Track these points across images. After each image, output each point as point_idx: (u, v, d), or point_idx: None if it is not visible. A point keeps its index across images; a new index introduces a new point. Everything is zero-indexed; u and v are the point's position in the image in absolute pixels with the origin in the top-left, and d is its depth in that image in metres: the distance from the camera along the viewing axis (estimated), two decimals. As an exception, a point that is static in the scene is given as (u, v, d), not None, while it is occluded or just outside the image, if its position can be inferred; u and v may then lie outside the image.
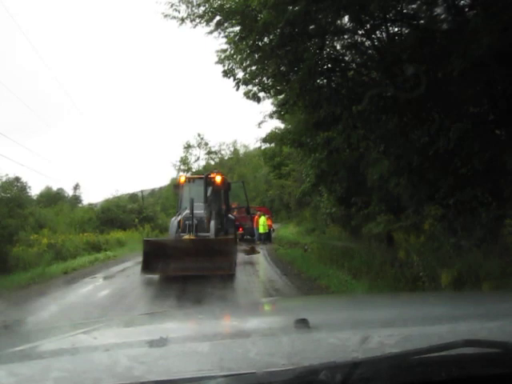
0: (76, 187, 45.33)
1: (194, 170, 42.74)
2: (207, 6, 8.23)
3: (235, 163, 46.99)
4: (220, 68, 9.01)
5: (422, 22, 7.69)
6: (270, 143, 20.10)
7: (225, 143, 49.21)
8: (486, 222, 6.60)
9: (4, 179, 14.60)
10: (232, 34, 8.53)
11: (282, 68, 8.55)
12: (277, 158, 33.38)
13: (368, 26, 8.27)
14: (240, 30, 8.28)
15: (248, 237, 20.24)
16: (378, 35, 8.66)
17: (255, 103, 9.87)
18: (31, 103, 66.38)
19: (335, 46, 9.17)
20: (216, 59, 9.05)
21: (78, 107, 70.58)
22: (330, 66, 9.41)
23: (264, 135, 18.75)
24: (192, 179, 13.88)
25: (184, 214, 11.12)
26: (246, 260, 13.29)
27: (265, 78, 9.18)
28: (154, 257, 9.40)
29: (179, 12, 8.36)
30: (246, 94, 9.62)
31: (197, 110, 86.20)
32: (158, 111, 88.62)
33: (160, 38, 78.22)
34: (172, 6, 8.28)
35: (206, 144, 46.66)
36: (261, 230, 19.76)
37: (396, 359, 0.85)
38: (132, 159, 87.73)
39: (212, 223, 11.06)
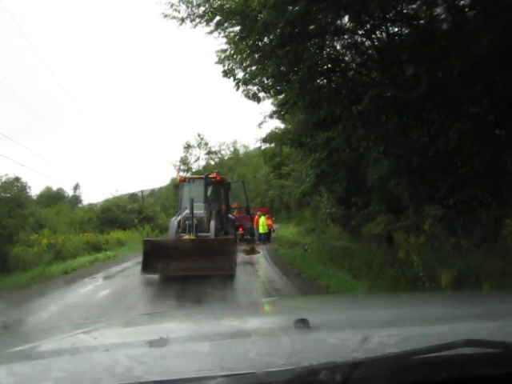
0: (76, 187, 45.42)
1: (194, 170, 42.74)
2: (207, 6, 8.22)
3: (235, 163, 46.93)
4: (220, 68, 9.00)
5: (422, 21, 7.68)
6: (270, 143, 20.07)
7: (225, 143, 49.22)
8: (485, 222, 6.60)
9: (4, 179, 14.59)
10: (232, 34, 8.51)
11: (281, 68, 8.53)
12: (277, 158, 33.36)
13: (368, 26, 8.27)
14: (240, 29, 8.27)
15: (248, 237, 20.22)
16: (378, 35, 8.66)
17: (255, 103, 9.86)
18: (31, 103, 66.41)
19: (335, 46, 9.16)
20: (216, 59, 9.04)
21: (78, 107, 70.64)
22: (329, 66, 9.40)
23: (264, 135, 18.71)
24: (192, 179, 13.90)
25: (184, 214, 11.11)
26: (246, 260, 13.29)
27: (265, 78, 9.16)
28: (154, 257, 9.39)
29: (179, 12, 8.36)
30: (246, 94, 9.61)
31: (197, 110, 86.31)
32: (158, 111, 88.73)
33: (160, 38, 78.24)
34: (172, 6, 8.27)
35: (206, 144, 46.67)
36: (261, 230, 19.76)
37: (396, 359, 0.85)
38: (132, 159, 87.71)
39: (212, 223, 11.05)
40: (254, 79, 9.08)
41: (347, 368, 0.80)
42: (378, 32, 8.56)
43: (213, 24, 8.40)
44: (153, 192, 50.23)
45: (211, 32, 8.59)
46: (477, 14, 6.58)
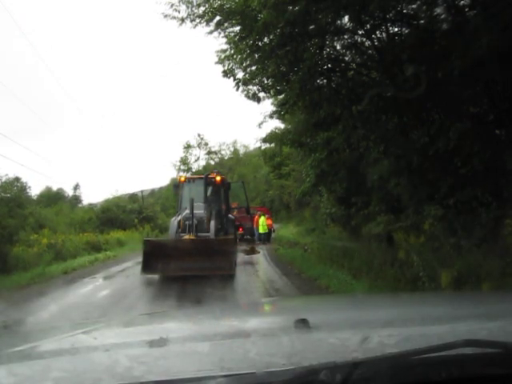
0: (76, 187, 45.41)
1: (193, 170, 42.69)
2: (207, 6, 8.23)
3: (235, 163, 46.88)
4: (220, 68, 9.01)
5: (422, 21, 7.68)
6: (270, 143, 20.10)
7: (225, 143, 49.11)
8: (485, 222, 6.60)
9: (4, 179, 14.59)
10: (232, 34, 8.52)
11: (281, 68, 8.53)
12: (277, 158, 33.33)
13: (368, 26, 8.26)
14: (240, 29, 8.28)
15: (248, 237, 20.21)
16: (378, 35, 8.66)
17: (255, 103, 9.86)
18: (31, 103, 66.41)
19: (335, 46, 9.17)
20: (216, 59, 9.05)
21: (78, 107, 70.62)
22: (330, 66, 9.40)
23: (264, 135, 18.76)
24: (192, 179, 13.90)
25: (184, 214, 11.11)
26: (246, 260, 13.29)
27: (265, 78, 9.16)
28: (154, 257, 9.40)
29: (179, 12, 8.36)
30: (246, 94, 9.61)
31: (197, 110, 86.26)
32: (158, 111, 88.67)
33: (160, 38, 78.19)
34: (172, 6, 8.28)
35: (206, 144, 46.59)
36: (261, 230, 19.75)
37: (396, 359, 0.85)
38: (132, 159, 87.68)
39: (212, 223, 11.05)
40: (254, 79, 9.08)
41: (347, 368, 0.80)
42: (378, 32, 8.56)
43: (213, 24, 8.41)
44: (153, 192, 50.20)
45: (211, 32, 8.61)
46: (477, 13, 6.58)
